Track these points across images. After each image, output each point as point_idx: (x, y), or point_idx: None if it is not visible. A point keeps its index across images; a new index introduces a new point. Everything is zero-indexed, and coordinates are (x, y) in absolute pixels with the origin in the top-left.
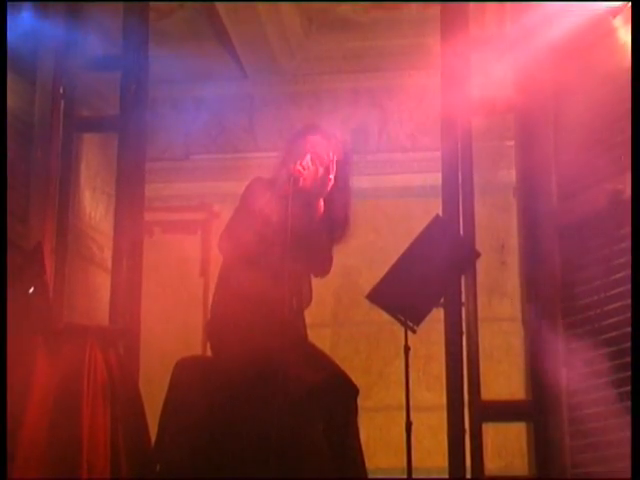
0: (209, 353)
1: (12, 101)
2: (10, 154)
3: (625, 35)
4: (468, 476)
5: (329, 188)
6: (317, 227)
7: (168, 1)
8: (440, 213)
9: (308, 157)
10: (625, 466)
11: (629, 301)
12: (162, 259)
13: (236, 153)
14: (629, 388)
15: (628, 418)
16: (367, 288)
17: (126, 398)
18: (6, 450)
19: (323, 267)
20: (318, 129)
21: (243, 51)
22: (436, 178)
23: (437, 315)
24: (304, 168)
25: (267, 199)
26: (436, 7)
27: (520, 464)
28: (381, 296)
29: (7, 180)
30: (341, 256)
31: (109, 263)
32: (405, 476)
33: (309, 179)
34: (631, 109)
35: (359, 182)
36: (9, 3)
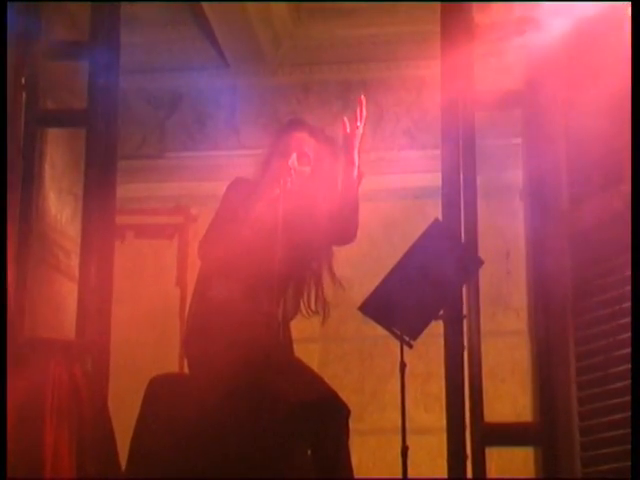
0: (186, 370)
1: None
2: None
3: None
4: None
5: (317, 190)
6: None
7: None
8: (440, 217)
9: (294, 156)
10: None
11: None
12: (135, 266)
13: (216, 150)
14: None
15: None
16: (359, 299)
17: (94, 419)
18: (6, 450)
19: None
20: (304, 125)
21: (224, 38)
22: (435, 179)
23: (436, 329)
24: (290, 167)
25: (252, 202)
26: None
27: None
28: (374, 308)
29: (7, 180)
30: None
31: (76, 271)
32: None
33: (296, 180)
34: (631, 110)
35: None
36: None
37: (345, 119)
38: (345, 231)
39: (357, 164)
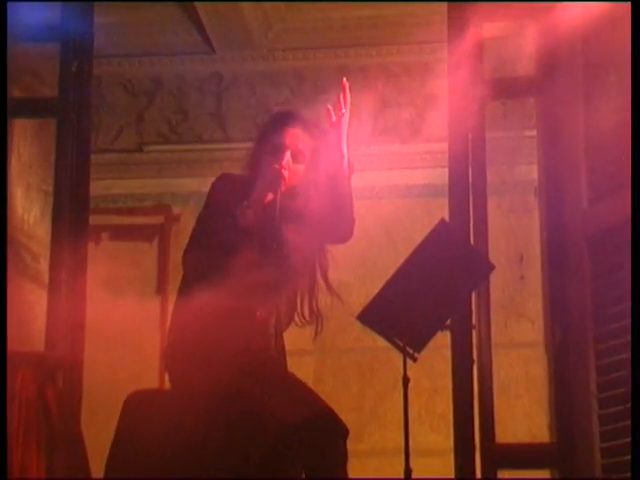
0: (167, 385)
1: None
2: None
3: None
4: None
5: (311, 189)
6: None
7: None
8: (446, 217)
9: (288, 154)
10: None
11: None
12: (111, 272)
13: (201, 144)
14: None
15: None
16: (358, 307)
17: (66, 439)
18: (6, 450)
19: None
20: (297, 119)
21: (209, 20)
22: (442, 175)
23: (442, 340)
24: (284, 168)
25: (244, 209)
26: None
27: None
28: (375, 317)
29: (7, 180)
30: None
31: (46, 277)
32: None
33: (289, 180)
34: (631, 111)
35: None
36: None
37: (329, 107)
38: (340, 229)
39: (347, 155)
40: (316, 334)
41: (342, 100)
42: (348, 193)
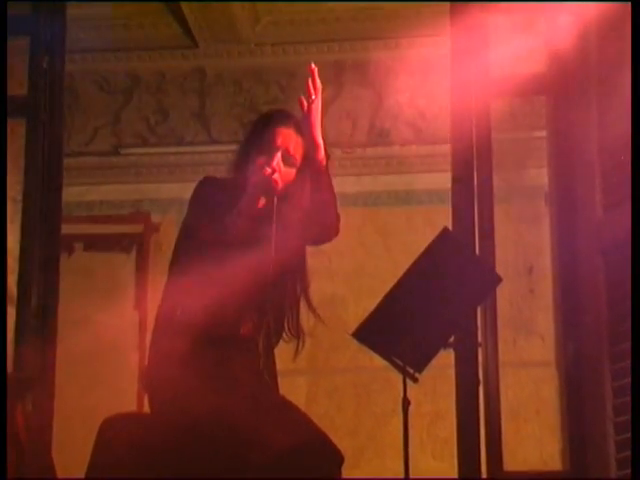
0: (146, 409)
1: None
2: None
3: None
4: None
5: (302, 197)
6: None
7: None
8: (449, 226)
9: (279, 155)
10: None
11: None
12: (84, 285)
13: (182, 146)
14: None
15: None
16: (353, 323)
17: (35, 468)
18: (6, 450)
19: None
20: (290, 118)
21: (192, 12)
22: (444, 180)
23: (446, 359)
24: (275, 169)
25: (231, 211)
26: None
27: None
28: (372, 334)
29: (6, 181)
30: (320, 282)
31: (14, 290)
32: None
33: (280, 183)
34: (631, 110)
35: (343, 185)
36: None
37: (302, 97)
38: (323, 225)
39: (322, 144)
40: (296, 352)
41: (312, 85)
42: (328, 185)
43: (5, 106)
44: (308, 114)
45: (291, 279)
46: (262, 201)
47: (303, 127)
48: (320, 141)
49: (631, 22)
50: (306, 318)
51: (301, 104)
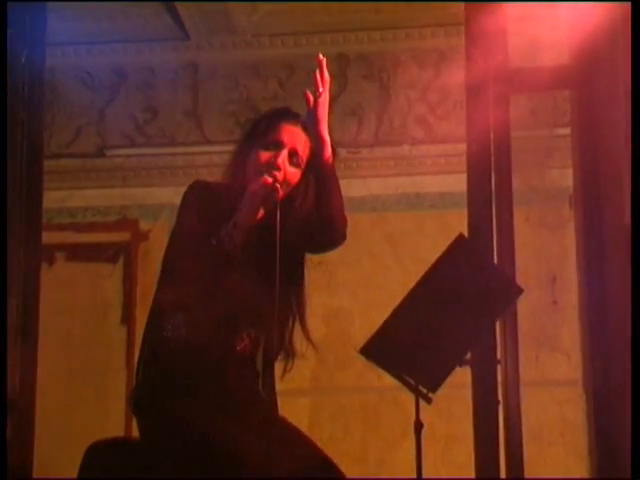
0: (135, 433)
1: None
2: None
3: None
4: None
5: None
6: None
7: None
8: (465, 232)
9: (284, 153)
10: None
11: None
12: (67, 298)
13: (173, 147)
14: None
15: None
16: (361, 339)
17: None
18: (6, 450)
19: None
20: (297, 116)
21: (183, 1)
22: (459, 182)
23: (461, 378)
24: (279, 168)
25: (227, 223)
26: None
27: None
28: (381, 350)
29: (7, 180)
30: (324, 295)
31: None
32: None
33: (284, 186)
34: (631, 110)
35: (349, 188)
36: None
37: (307, 92)
38: (328, 231)
39: (329, 141)
40: (284, 372)
41: (319, 77)
42: (335, 186)
43: (5, 107)
44: (315, 109)
45: (288, 292)
46: (262, 211)
47: (309, 124)
48: (327, 138)
49: (631, 22)
50: (311, 330)
51: (307, 98)
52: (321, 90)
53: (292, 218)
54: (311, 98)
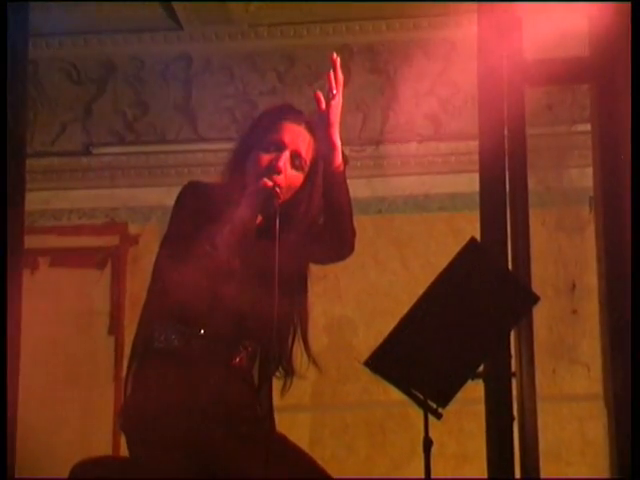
0: (124, 452)
1: None
2: None
3: None
4: None
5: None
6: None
7: None
8: (477, 236)
9: (286, 155)
10: None
11: None
12: (51, 306)
13: (164, 144)
14: None
15: None
16: (366, 351)
17: None
18: (6, 450)
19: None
20: (300, 115)
21: None
22: (471, 182)
23: (474, 392)
24: (280, 171)
25: (223, 228)
26: None
27: None
28: (387, 363)
29: (7, 178)
30: (327, 303)
31: None
32: None
33: (285, 190)
34: (631, 110)
35: (353, 189)
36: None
37: (319, 93)
38: (338, 243)
39: (340, 147)
40: (283, 389)
41: (333, 78)
42: (345, 195)
43: (5, 107)
44: (327, 111)
45: (289, 304)
46: (260, 217)
47: (316, 126)
48: (338, 143)
49: (631, 22)
50: (312, 343)
51: (318, 100)
52: (335, 92)
53: (295, 226)
54: (322, 99)
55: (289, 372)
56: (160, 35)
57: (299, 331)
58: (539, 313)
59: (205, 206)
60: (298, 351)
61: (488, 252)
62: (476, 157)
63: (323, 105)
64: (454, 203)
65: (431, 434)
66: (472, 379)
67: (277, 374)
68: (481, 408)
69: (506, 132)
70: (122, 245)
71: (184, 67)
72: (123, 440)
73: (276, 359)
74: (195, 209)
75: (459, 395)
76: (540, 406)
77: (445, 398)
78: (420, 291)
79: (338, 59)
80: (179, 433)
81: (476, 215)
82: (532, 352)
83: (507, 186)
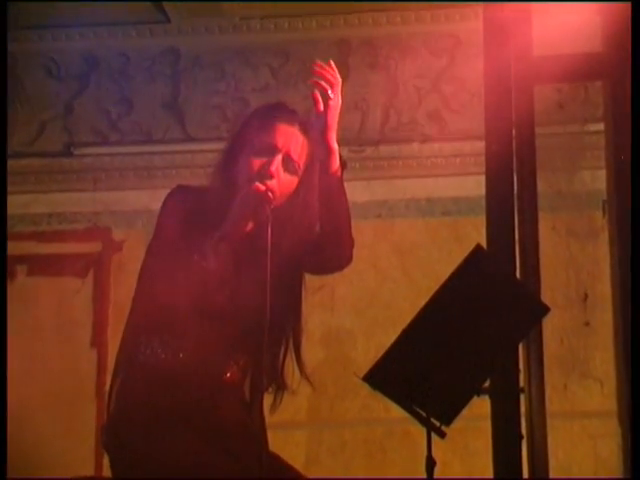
0: (107, 472)
1: None
2: None
3: None
4: None
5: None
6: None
7: None
8: (483, 242)
9: (278, 159)
10: None
11: None
12: (29, 317)
13: (151, 144)
14: None
15: None
16: (365, 365)
17: None
18: (6, 450)
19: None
20: (293, 114)
21: None
22: (476, 185)
23: (480, 408)
24: (272, 176)
25: (212, 236)
26: None
27: None
28: (388, 378)
29: (7, 178)
30: (324, 313)
31: None
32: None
33: (278, 196)
34: (631, 111)
35: (351, 192)
36: None
37: (317, 93)
38: (333, 250)
39: (337, 151)
40: (273, 405)
41: (330, 78)
42: (342, 201)
43: (5, 104)
44: (325, 113)
45: (282, 316)
46: (252, 224)
47: (312, 128)
48: (335, 147)
49: (631, 22)
50: (307, 357)
51: (316, 101)
52: (332, 96)
53: (289, 233)
54: (320, 100)
55: (281, 387)
56: (146, 28)
57: (292, 344)
58: (549, 325)
59: (193, 211)
60: (292, 365)
61: (495, 260)
62: (482, 158)
63: (321, 106)
64: (459, 207)
65: (434, 453)
66: (478, 395)
67: (270, 389)
68: (487, 425)
69: (514, 132)
70: (105, 252)
71: (172, 62)
72: (106, 459)
73: (269, 374)
74: (183, 215)
75: (464, 412)
76: (550, 423)
77: (449, 415)
78: (423, 301)
79: (333, 64)
80: (166, 452)
81: (482, 220)
82: (542, 366)
83: (515, 189)
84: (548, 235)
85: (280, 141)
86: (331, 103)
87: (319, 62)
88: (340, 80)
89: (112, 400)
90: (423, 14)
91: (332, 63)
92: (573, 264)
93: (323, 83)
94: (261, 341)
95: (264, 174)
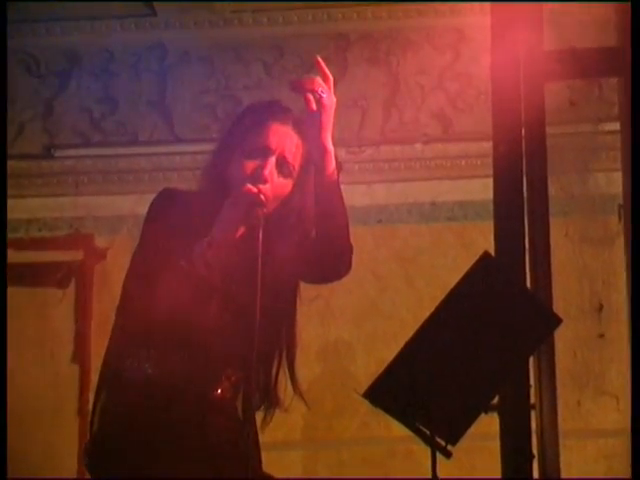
0: None
1: None
2: None
3: None
4: None
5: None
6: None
7: None
8: (491, 249)
9: (272, 162)
10: None
11: None
12: (7, 330)
13: (136, 146)
14: None
15: None
16: (365, 380)
17: None
18: (6, 450)
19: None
20: (287, 113)
21: None
22: (483, 188)
23: (488, 427)
24: (266, 180)
25: (201, 241)
26: None
27: None
28: (389, 394)
29: (7, 178)
30: (321, 325)
31: None
32: None
33: (272, 200)
34: (631, 111)
35: (350, 196)
36: None
37: (309, 94)
38: (330, 258)
39: (332, 152)
40: (263, 423)
41: (322, 76)
42: (340, 205)
43: (5, 104)
44: (319, 112)
45: (275, 328)
46: (243, 228)
47: (307, 128)
48: (331, 148)
49: (631, 22)
50: (303, 372)
51: (307, 101)
52: (325, 95)
53: (283, 240)
54: (312, 100)
55: (272, 404)
56: (131, 22)
57: (285, 358)
58: (562, 337)
59: (181, 217)
60: (286, 380)
61: (503, 268)
62: (489, 160)
63: (313, 106)
64: (465, 212)
65: (439, 474)
66: (486, 412)
67: (263, 407)
68: (496, 445)
69: (523, 132)
70: (88, 260)
71: (158, 58)
72: None
73: (262, 390)
74: (170, 220)
75: (471, 430)
76: (563, 442)
77: (455, 434)
78: (426, 312)
79: (321, 61)
80: (153, 474)
81: (490, 226)
82: (554, 381)
83: (525, 193)
84: (560, 242)
85: (274, 142)
86: (324, 101)
87: (317, 59)
88: (330, 76)
89: (95, 419)
90: (425, 7)
91: (322, 64)
92: (587, 272)
93: (309, 83)
94: (250, 355)
95: (257, 178)
